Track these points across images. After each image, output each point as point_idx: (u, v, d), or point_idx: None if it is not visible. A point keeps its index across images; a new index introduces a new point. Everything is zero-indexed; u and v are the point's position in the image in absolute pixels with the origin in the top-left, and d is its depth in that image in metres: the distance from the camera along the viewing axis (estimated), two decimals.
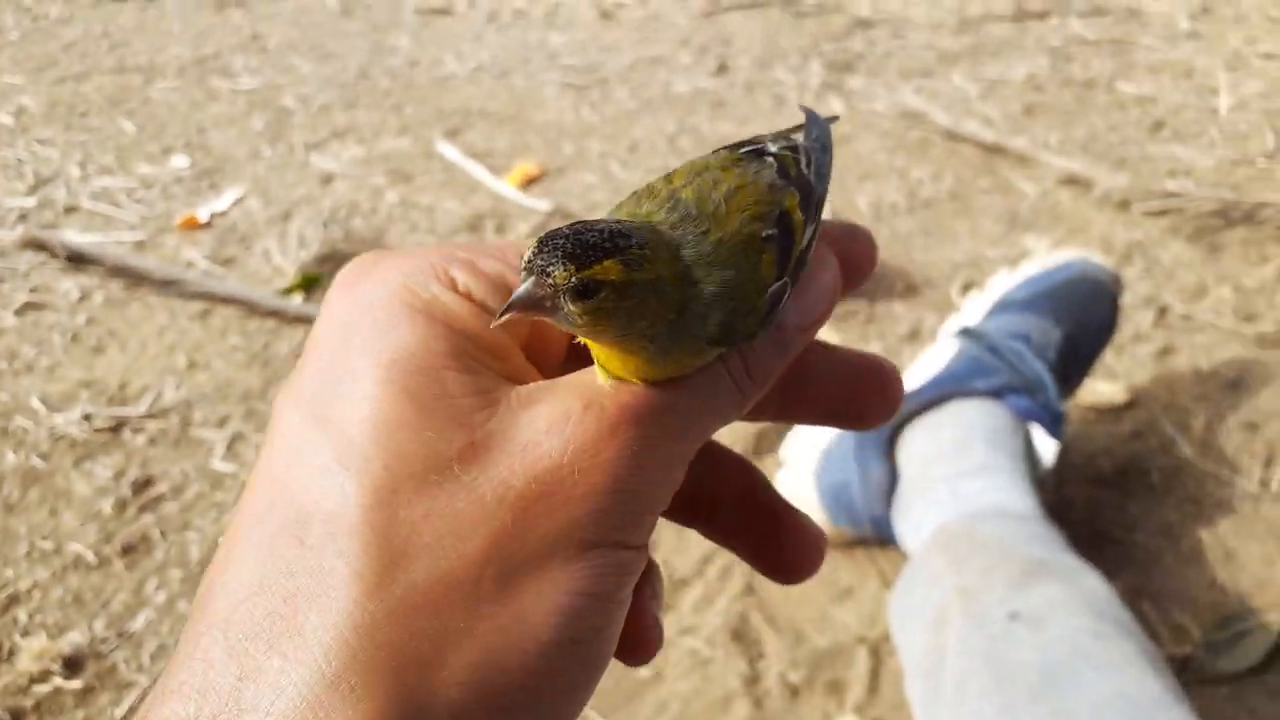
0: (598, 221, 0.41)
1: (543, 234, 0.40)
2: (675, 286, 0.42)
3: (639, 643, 0.49)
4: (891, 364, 0.53)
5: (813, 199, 0.50)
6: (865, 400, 0.53)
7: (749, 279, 0.45)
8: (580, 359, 0.47)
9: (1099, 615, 1.11)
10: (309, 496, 0.39)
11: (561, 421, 0.41)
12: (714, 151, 0.51)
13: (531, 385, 0.44)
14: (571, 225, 0.40)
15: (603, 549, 0.40)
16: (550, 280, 0.39)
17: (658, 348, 0.43)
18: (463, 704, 0.37)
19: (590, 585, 0.40)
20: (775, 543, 0.53)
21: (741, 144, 0.52)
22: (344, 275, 0.47)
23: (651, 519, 0.43)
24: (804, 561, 0.53)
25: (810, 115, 0.56)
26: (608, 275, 0.40)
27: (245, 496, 0.42)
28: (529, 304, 0.39)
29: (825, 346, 0.53)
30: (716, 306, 0.43)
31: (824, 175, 0.52)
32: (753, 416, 0.51)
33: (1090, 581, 1.17)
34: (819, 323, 0.49)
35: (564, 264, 0.39)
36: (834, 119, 0.58)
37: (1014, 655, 1.08)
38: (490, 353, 0.44)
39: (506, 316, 0.39)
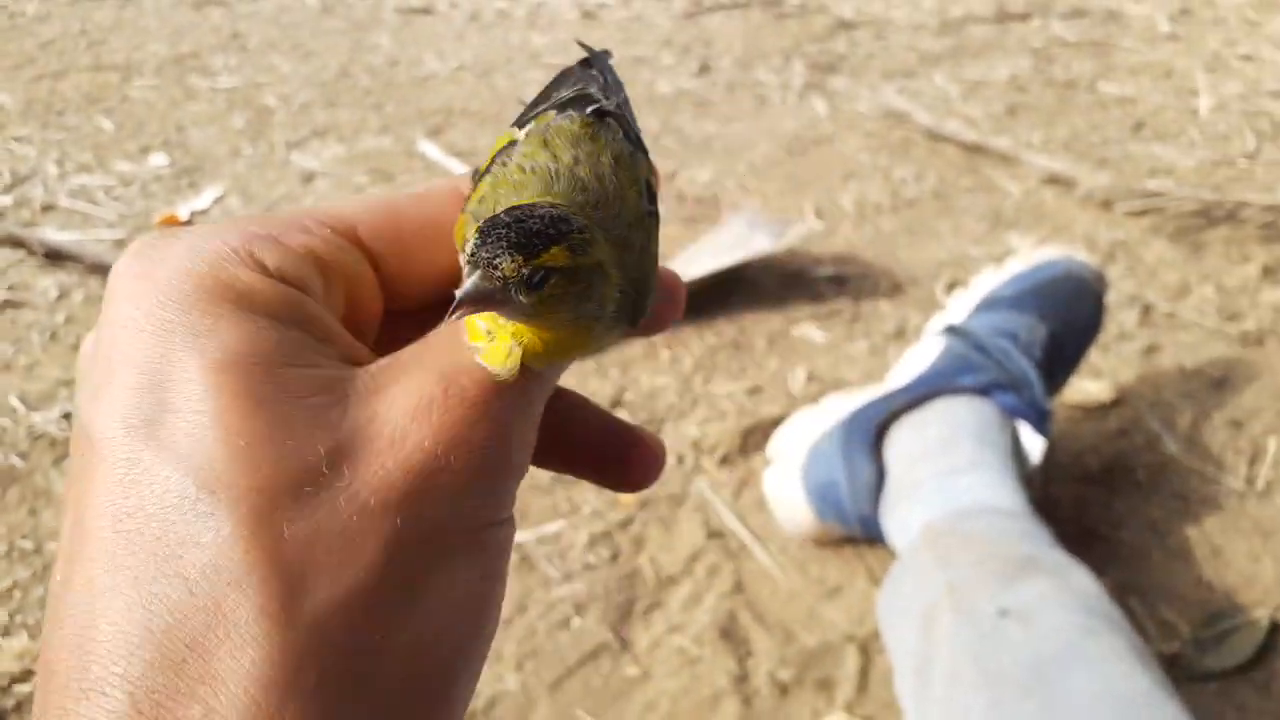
0: (534, 207, 0.39)
1: (481, 224, 0.38)
2: (612, 269, 0.41)
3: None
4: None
5: (648, 161, 0.50)
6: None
7: (650, 258, 0.46)
8: (400, 322, 0.47)
9: (1088, 611, 1.11)
10: (176, 533, 0.35)
11: (425, 409, 0.39)
12: (550, 102, 0.50)
13: (374, 367, 0.41)
14: (509, 212, 0.38)
15: (493, 528, 0.40)
16: (499, 272, 0.37)
17: (601, 328, 0.42)
18: (396, 712, 0.36)
19: (485, 568, 0.40)
20: (624, 464, 0.51)
21: (573, 98, 0.49)
22: (129, 265, 0.41)
23: (518, 486, 0.43)
24: (647, 469, 0.51)
25: (592, 53, 0.56)
26: (556, 262, 0.38)
27: (81, 537, 0.37)
28: (478, 298, 0.37)
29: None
30: (637, 287, 0.44)
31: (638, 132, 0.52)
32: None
33: (1079, 577, 1.17)
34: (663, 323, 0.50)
35: (510, 254, 0.37)
36: (607, 53, 0.58)
37: (1004, 651, 1.08)
38: (318, 337, 0.41)
39: (457, 315, 0.37)
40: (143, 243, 0.42)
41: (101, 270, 2.14)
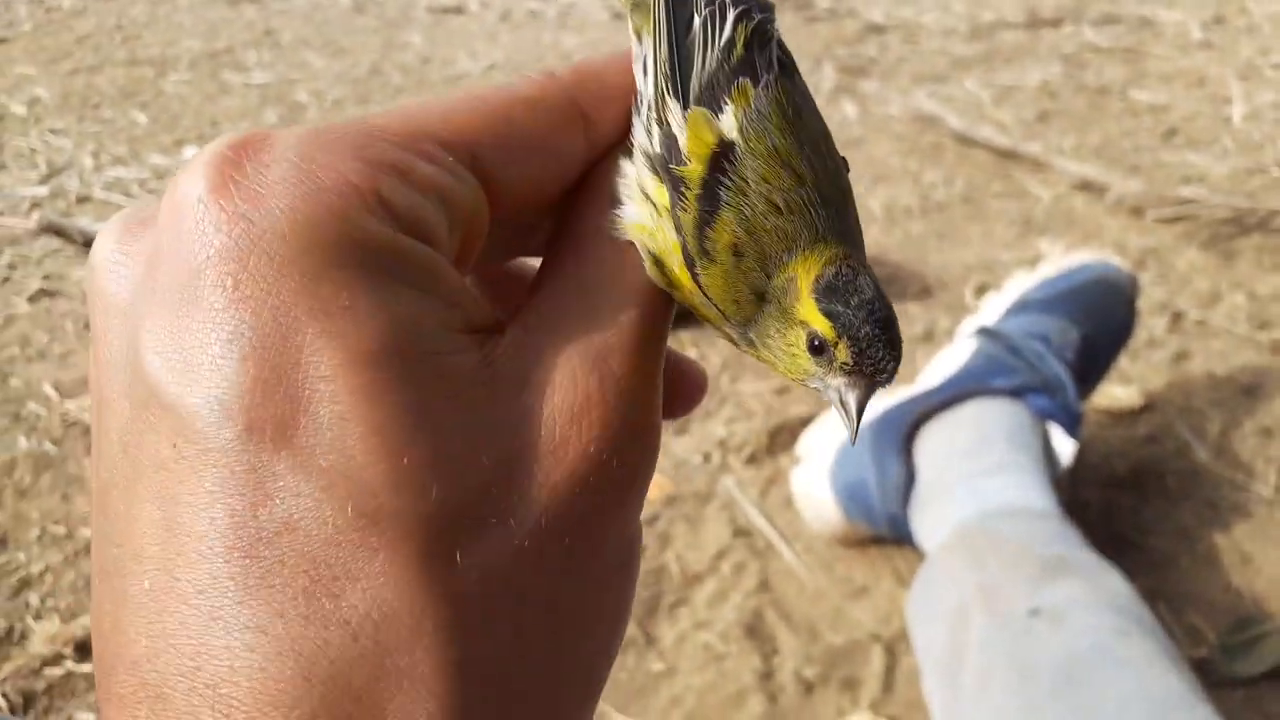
0: (855, 272, 0.38)
1: (848, 326, 0.37)
2: None
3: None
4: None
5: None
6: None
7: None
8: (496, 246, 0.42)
9: (1121, 612, 1.10)
10: (331, 567, 0.30)
11: (585, 408, 0.35)
12: (728, 53, 0.40)
13: (511, 345, 0.36)
14: (866, 304, 0.37)
15: (636, 542, 0.39)
16: (883, 379, 0.38)
17: None
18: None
19: (631, 580, 0.39)
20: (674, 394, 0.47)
21: (751, 34, 0.40)
22: (218, 190, 0.32)
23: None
24: (691, 396, 0.48)
25: None
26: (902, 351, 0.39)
27: (181, 544, 0.31)
28: (865, 405, 0.39)
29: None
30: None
31: None
32: None
33: (1111, 579, 1.16)
34: None
35: (892, 355, 0.38)
36: None
37: (1036, 652, 1.08)
38: (450, 303, 0.34)
39: (854, 431, 0.38)
40: (226, 157, 0.33)
41: None
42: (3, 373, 1.87)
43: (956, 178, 2.60)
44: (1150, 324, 2.02)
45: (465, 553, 0.31)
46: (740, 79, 0.39)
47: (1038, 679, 1.05)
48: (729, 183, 0.38)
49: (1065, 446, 1.46)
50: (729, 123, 0.39)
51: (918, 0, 3.99)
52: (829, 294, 0.37)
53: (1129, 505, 1.64)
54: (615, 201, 0.40)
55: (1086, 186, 2.53)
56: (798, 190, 0.38)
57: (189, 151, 2.70)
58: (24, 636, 1.41)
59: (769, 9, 0.41)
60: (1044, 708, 1.03)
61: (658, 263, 0.39)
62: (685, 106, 0.39)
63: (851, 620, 1.46)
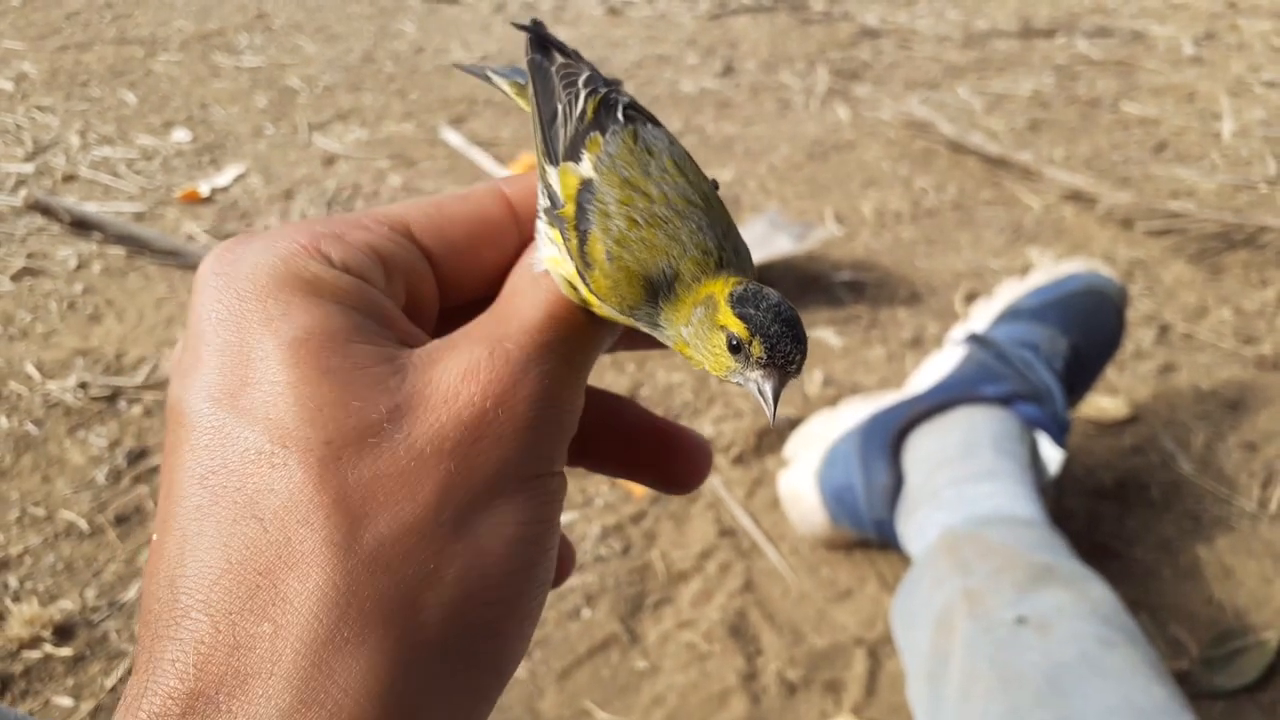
0: (760, 286, 0.45)
1: (759, 326, 0.44)
2: None
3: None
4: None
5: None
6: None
7: (733, 227, 0.51)
8: (454, 316, 0.51)
9: (1106, 622, 1.11)
10: (254, 482, 0.40)
11: (474, 370, 0.43)
12: (582, 120, 0.51)
13: (430, 345, 0.45)
14: (772, 308, 0.44)
15: (539, 479, 0.44)
16: (793, 369, 0.45)
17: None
18: (448, 637, 0.39)
19: (534, 513, 0.43)
20: (661, 458, 0.55)
21: (600, 106, 0.52)
22: (211, 265, 0.46)
23: (567, 444, 0.47)
24: (695, 468, 0.55)
25: (532, 30, 0.56)
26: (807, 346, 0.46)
27: (173, 497, 0.42)
28: (779, 393, 0.45)
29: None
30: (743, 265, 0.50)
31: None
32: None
33: (1097, 589, 1.17)
34: None
35: (798, 348, 0.45)
36: (539, 23, 0.57)
37: (1020, 659, 1.08)
38: (383, 321, 0.45)
39: (774, 413, 0.44)
40: (224, 245, 0.47)
41: (126, 241, 2.14)
42: None
43: (948, 184, 2.61)
44: (1137, 336, 2.03)
45: (353, 465, 0.40)
46: (592, 133, 0.50)
47: (1022, 686, 1.05)
48: (591, 208, 0.48)
49: (1053, 455, 1.46)
50: (585, 166, 0.49)
51: (912, 6, 4.00)
52: (741, 302, 0.44)
53: (1113, 515, 1.65)
54: (534, 250, 0.51)
55: (1076, 197, 2.54)
56: (650, 207, 0.47)
57: (177, 133, 2.68)
58: (2, 618, 1.39)
59: (615, 84, 0.53)
60: (1028, 715, 1.03)
61: (571, 285, 0.48)
62: (555, 165, 0.50)
63: (835, 623, 1.46)
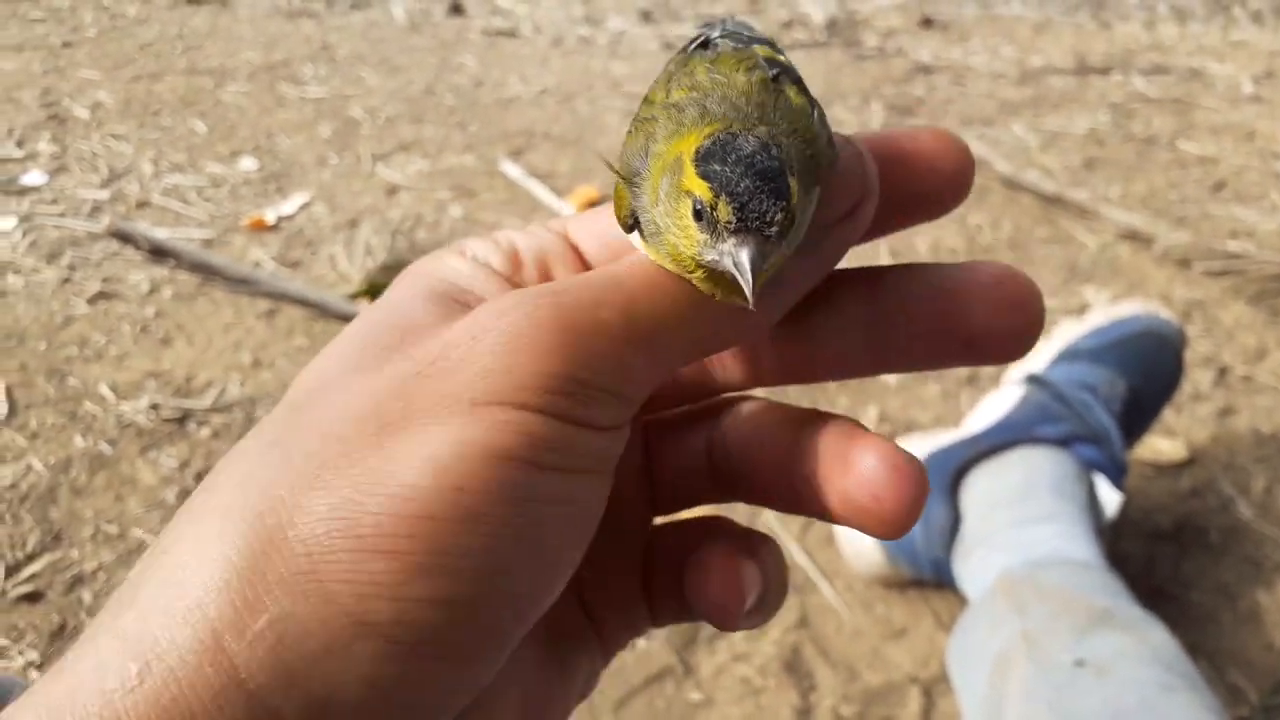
0: (735, 134, 0.37)
1: (725, 182, 0.35)
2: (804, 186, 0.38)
3: (713, 599, 0.45)
4: (1022, 274, 0.44)
5: (793, 72, 0.44)
6: (987, 318, 0.43)
7: (791, 110, 0.41)
8: None
9: (1167, 667, 1.11)
10: (299, 388, 0.42)
11: (485, 308, 0.39)
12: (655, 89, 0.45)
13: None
14: (744, 160, 0.36)
15: (497, 407, 0.37)
16: (774, 230, 0.35)
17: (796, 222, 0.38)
18: (319, 540, 0.35)
19: (476, 437, 0.36)
20: (838, 471, 0.43)
21: (698, 44, 0.46)
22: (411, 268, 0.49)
23: (591, 395, 0.39)
24: (901, 492, 0.42)
25: (714, 25, 0.49)
26: (794, 200, 0.36)
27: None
28: (760, 263, 0.35)
29: (917, 265, 0.45)
30: (798, 155, 0.39)
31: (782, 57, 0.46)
32: (838, 373, 0.46)
33: (1157, 633, 1.17)
34: (855, 215, 0.43)
35: (777, 205, 0.35)
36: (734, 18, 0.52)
37: (1080, 703, 1.08)
38: (475, 296, 0.45)
39: (754, 291, 0.35)
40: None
41: (196, 269, 2.20)
42: (60, 372, 1.92)
43: (1002, 221, 2.61)
44: (1196, 377, 2.02)
45: (348, 378, 0.40)
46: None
47: None
48: (644, 115, 0.42)
49: (1111, 498, 1.46)
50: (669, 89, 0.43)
51: (966, 42, 4.02)
52: (706, 158, 0.36)
53: (1170, 559, 1.64)
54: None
55: (1133, 236, 2.53)
56: (650, 110, 0.42)
57: (245, 162, 2.75)
58: (76, 632, 1.44)
59: (738, 32, 0.46)
60: None
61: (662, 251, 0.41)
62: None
63: (890, 661, 1.47)
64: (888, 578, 1.54)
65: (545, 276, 0.47)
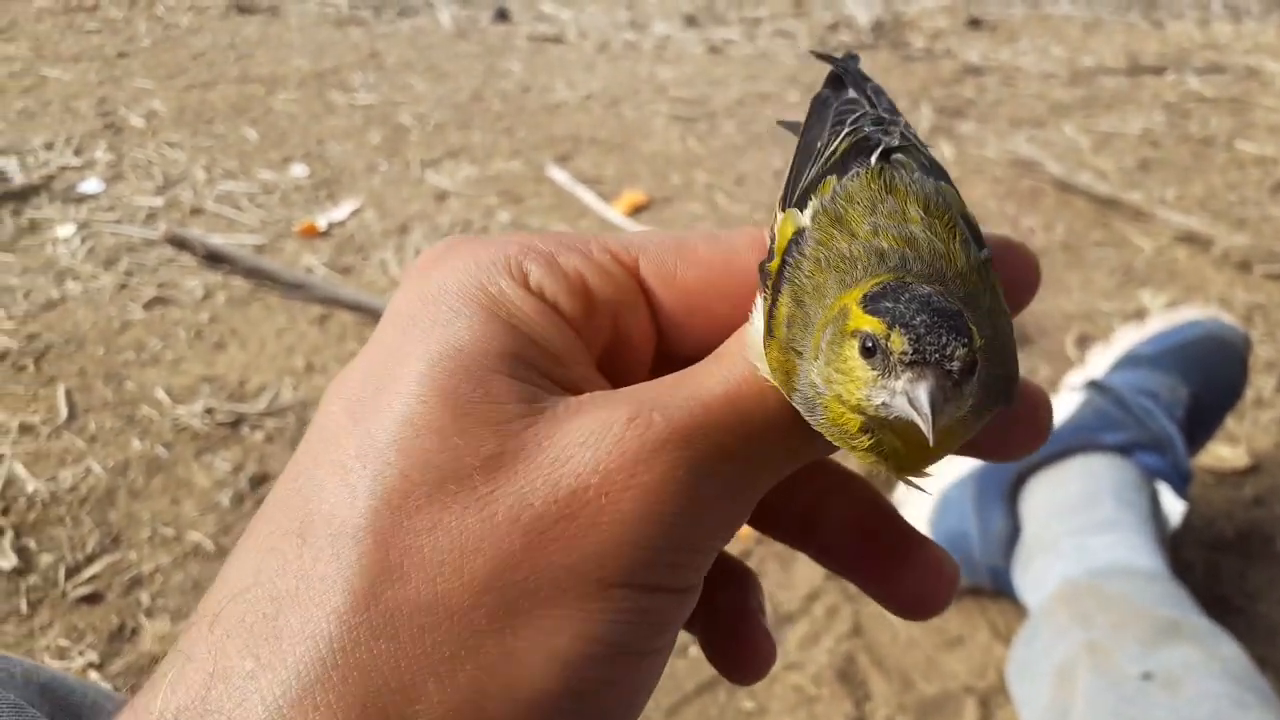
0: (907, 282, 0.34)
1: (899, 316, 0.33)
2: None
3: (747, 659, 0.46)
4: (1037, 387, 0.45)
5: (948, 177, 0.43)
6: (1020, 432, 0.45)
7: (1003, 316, 0.39)
8: (669, 369, 0.41)
9: (1238, 682, 1.08)
10: (320, 494, 0.36)
11: (599, 434, 0.36)
12: (827, 162, 0.43)
13: (588, 395, 0.39)
14: (918, 299, 0.33)
15: (627, 590, 0.35)
16: (954, 365, 0.32)
17: (975, 414, 0.36)
18: None
19: (604, 632, 0.35)
20: (896, 573, 0.46)
21: (854, 148, 0.43)
22: (418, 262, 0.43)
23: (703, 559, 0.38)
24: (929, 597, 0.45)
25: (840, 65, 0.48)
26: (977, 342, 0.33)
27: (274, 488, 0.39)
28: (940, 402, 0.32)
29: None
30: (1000, 358, 0.37)
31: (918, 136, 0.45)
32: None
33: (1227, 646, 1.14)
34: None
35: (959, 340, 0.32)
36: (855, 57, 0.51)
37: (1147, 716, 1.06)
38: (553, 359, 0.40)
39: (935, 432, 0.32)
40: (436, 245, 0.44)
41: (250, 274, 2.23)
42: (118, 376, 1.94)
43: (1056, 224, 2.57)
44: (1258, 383, 1.98)
45: (417, 508, 0.36)
46: (829, 176, 0.41)
47: None
48: (792, 261, 0.39)
49: (1174, 507, 1.43)
50: (808, 213, 0.40)
51: (1015, 42, 3.97)
52: (876, 299, 0.34)
53: (1234, 568, 1.60)
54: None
55: (1190, 238, 2.48)
56: (846, 246, 0.38)
57: (296, 169, 2.78)
58: (135, 633, 1.46)
59: (892, 123, 0.44)
60: None
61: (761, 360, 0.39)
62: (782, 210, 0.42)
63: (945, 670, 1.44)
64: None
65: (614, 326, 0.44)
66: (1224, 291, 2.30)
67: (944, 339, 0.32)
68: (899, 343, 0.32)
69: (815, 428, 0.37)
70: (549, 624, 0.34)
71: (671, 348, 0.45)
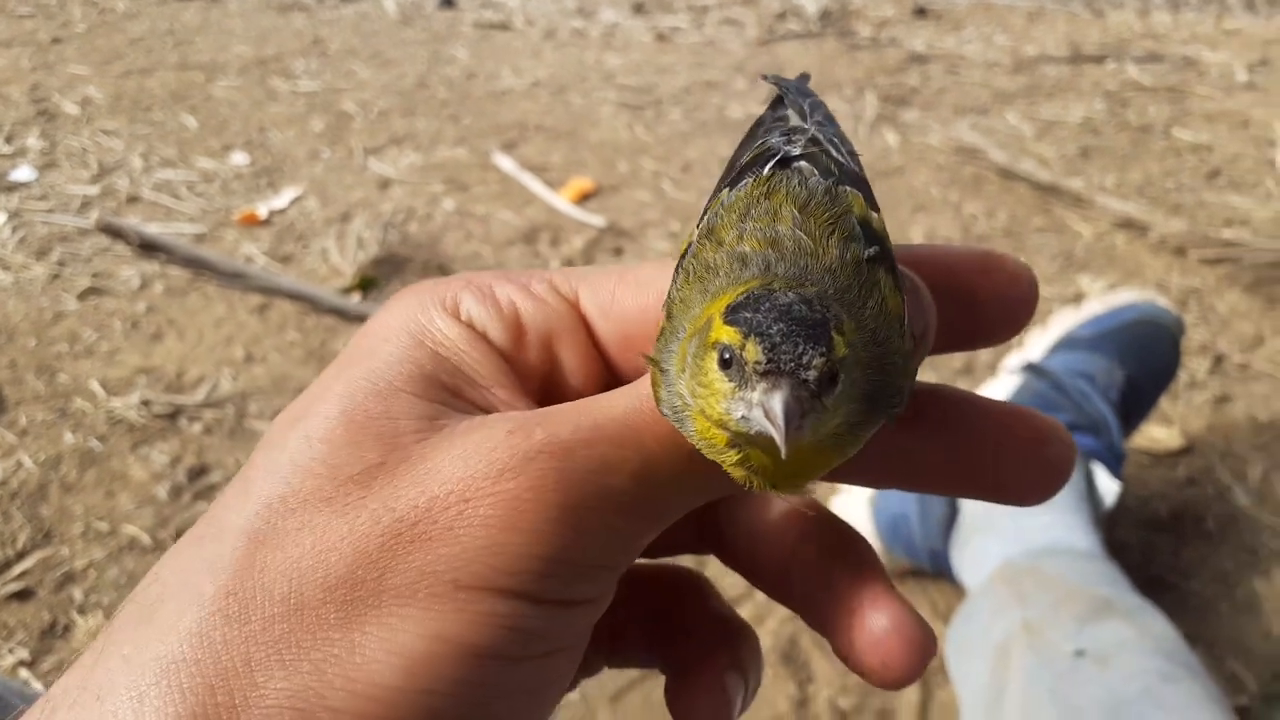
0: (772, 290, 0.33)
1: (738, 319, 0.32)
2: (859, 348, 0.34)
3: (695, 715, 0.45)
4: (1053, 422, 0.42)
5: (866, 185, 0.41)
6: (1011, 466, 0.42)
7: (889, 318, 0.36)
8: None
9: (1167, 657, 1.10)
10: (225, 506, 0.39)
11: (479, 444, 0.37)
12: (726, 181, 0.43)
13: (495, 414, 0.40)
14: (779, 307, 0.32)
15: (484, 594, 0.35)
16: (811, 374, 0.31)
17: (851, 431, 0.35)
18: None
19: (454, 632, 0.35)
20: (848, 625, 0.43)
21: (755, 158, 0.42)
22: (390, 299, 0.45)
23: (583, 574, 0.37)
24: (888, 659, 0.41)
25: (783, 85, 0.47)
26: (839, 352, 0.32)
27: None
28: (797, 414, 0.31)
29: (948, 392, 0.42)
30: (882, 363, 0.35)
31: (852, 150, 0.43)
32: (862, 479, 0.45)
33: (1158, 623, 1.16)
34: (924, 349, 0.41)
35: (814, 349, 0.31)
36: (805, 76, 0.49)
37: (1081, 692, 1.08)
38: (470, 382, 0.41)
39: (788, 445, 0.31)
40: (407, 287, 0.46)
41: (188, 263, 2.19)
42: (51, 369, 1.90)
43: (998, 210, 2.60)
44: (1192, 365, 2.02)
45: (301, 511, 0.37)
46: (720, 192, 0.41)
47: (1083, 718, 1.05)
48: (675, 278, 0.39)
49: (1109, 487, 1.45)
50: (700, 230, 0.40)
51: (960, 31, 4.01)
52: (737, 309, 0.33)
53: (1168, 547, 1.63)
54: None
55: (1128, 224, 2.52)
56: (715, 254, 0.37)
57: (236, 156, 2.74)
58: (67, 630, 1.43)
59: (815, 132, 0.42)
60: None
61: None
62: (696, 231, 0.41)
63: None
64: (886, 568, 1.53)
65: (549, 356, 0.44)
66: (1160, 276, 2.34)
67: (799, 347, 0.31)
68: (753, 352, 0.31)
69: (692, 444, 0.36)
70: (395, 621, 0.35)
71: (619, 378, 0.45)
